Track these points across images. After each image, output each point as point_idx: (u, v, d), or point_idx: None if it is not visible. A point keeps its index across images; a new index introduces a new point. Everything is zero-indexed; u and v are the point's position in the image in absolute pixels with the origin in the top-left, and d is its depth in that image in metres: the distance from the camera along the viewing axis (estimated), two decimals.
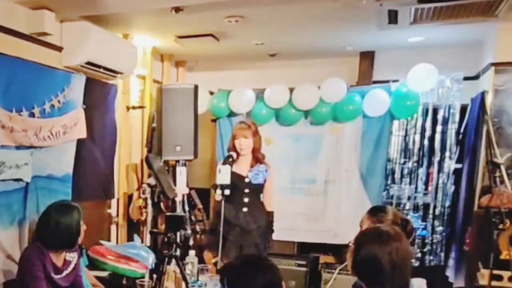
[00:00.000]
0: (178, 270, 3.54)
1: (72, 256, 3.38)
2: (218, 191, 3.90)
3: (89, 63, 4.05)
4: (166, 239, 3.51)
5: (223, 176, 3.87)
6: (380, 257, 2.10)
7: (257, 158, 4.31)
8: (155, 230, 3.85)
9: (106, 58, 4.19)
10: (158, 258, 3.74)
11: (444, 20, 4.16)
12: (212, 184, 4.11)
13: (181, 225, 3.52)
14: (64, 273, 3.30)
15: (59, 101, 3.86)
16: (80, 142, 4.18)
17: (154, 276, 3.63)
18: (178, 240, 3.55)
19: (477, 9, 3.88)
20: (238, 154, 4.22)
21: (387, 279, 2.11)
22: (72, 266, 3.36)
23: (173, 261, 3.55)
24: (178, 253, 3.52)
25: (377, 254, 2.10)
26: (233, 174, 4.05)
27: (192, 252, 3.83)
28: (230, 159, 4.05)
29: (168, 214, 3.63)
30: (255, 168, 4.29)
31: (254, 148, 4.29)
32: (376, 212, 3.18)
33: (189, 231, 3.57)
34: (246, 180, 4.26)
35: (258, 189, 4.35)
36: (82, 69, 4.10)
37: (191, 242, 3.76)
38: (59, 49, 4.00)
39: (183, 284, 3.50)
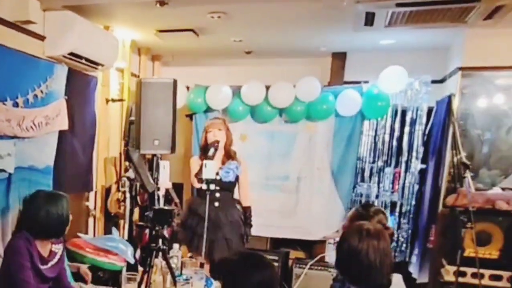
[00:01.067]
0: (164, 264, 3.56)
1: (57, 248, 3.34)
2: (204, 185, 3.91)
3: (72, 53, 3.98)
4: (154, 233, 3.51)
5: (209, 170, 3.89)
6: (358, 252, 2.18)
7: (229, 154, 4.33)
8: (141, 223, 3.83)
9: (89, 49, 4.13)
10: (146, 252, 3.73)
11: (417, 24, 4.32)
12: (197, 176, 4.09)
13: (169, 219, 3.53)
14: (50, 264, 3.26)
15: (41, 91, 3.79)
16: (60, 133, 4.10)
17: (140, 268, 3.62)
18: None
19: (449, 15, 4.06)
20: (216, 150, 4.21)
21: (365, 275, 2.19)
22: (57, 257, 3.32)
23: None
24: (165, 246, 3.54)
25: (356, 249, 2.19)
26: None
27: (176, 246, 3.86)
28: (213, 152, 4.06)
29: (155, 207, 3.61)
30: (225, 165, 4.30)
31: (226, 144, 4.31)
32: (365, 206, 3.32)
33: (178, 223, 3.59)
34: (217, 177, 4.22)
35: (229, 186, 4.36)
36: (64, 60, 4.03)
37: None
38: (42, 38, 3.92)
39: (169, 277, 3.53)
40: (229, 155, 4.33)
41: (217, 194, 4.26)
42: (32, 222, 3.17)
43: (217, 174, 4.21)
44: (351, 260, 2.20)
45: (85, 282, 3.70)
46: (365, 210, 3.08)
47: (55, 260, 3.30)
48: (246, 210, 4.43)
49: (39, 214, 3.13)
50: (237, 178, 4.37)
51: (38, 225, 3.14)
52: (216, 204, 4.27)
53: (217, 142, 4.18)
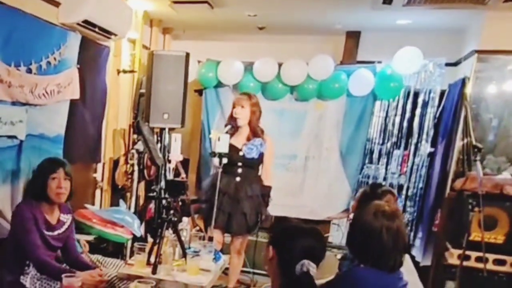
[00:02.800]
0: (173, 236, 3.56)
1: (66, 217, 3.35)
2: (216, 159, 3.91)
3: (85, 21, 3.92)
4: (166, 204, 3.49)
5: (222, 144, 3.88)
6: (371, 232, 2.14)
7: (254, 131, 4.30)
8: (153, 194, 3.81)
9: (103, 18, 4.07)
10: (155, 223, 3.73)
11: (436, 4, 4.29)
12: (210, 151, 4.10)
13: (182, 190, 3.51)
14: (56, 232, 3.27)
15: (55, 59, 3.74)
16: (71, 103, 4.06)
17: (150, 240, 3.61)
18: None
19: None
20: (237, 127, 4.21)
21: (377, 256, 2.15)
22: (65, 227, 3.33)
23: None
24: (176, 218, 3.53)
25: (370, 229, 2.15)
26: (230, 145, 4.07)
27: (185, 219, 3.85)
28: (229, 128, 4.06)
29: (168, 179, 3.59)
30: (250, 142, 4.28)
31: (251, 121, 4.28)
32: (374, 186, 3.31)
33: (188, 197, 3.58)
34: (240, 153, 4.26)
35: (252, 163, 4.35)
36: (78, 27, 3.97)
37: None
38: (57, 4, 3.85)
39: (178, 249, 3.53)
40: (255, 132, 4.31)
41: (239, 170, 4.28)
42: (35, 187, 3.21)
43: (241, 150, 4.22)
44: (364, 240, 2.17)
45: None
46: (373, 191, 3.09)
47: (63, 229, 3.32)
48: (265, 189, 4.43)
49: (40, 178, 3.17)
50: (261, 155, 4.34)
51: (40, 189, 3.16)
52: (238, 179, 4.30)
53: (235, 120, 4.15)
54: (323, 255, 2.15)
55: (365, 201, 2.87)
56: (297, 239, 2.12)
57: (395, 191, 3.34)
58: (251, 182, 4.33)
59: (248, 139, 4.28)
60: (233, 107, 4.32)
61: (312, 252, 2.09)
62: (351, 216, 2.83)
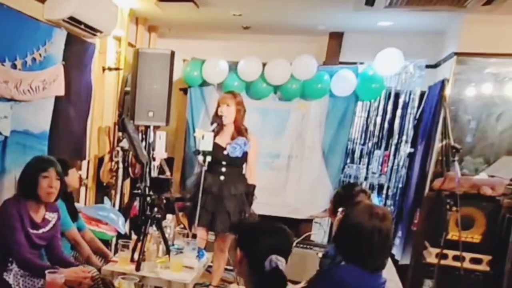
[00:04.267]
0: (157, 233, 3.58)
1: (52, 216, 3.31)
2: (200, 157, 3.94)
3: (71, 18, 3.92)
4: (150, 201, 3.52)
5: (206, 142, 3.92)
6: (362, 232, 2.17)
7: (239, 130, 4.33)
8: (137, 191, 3.83)
9: (88, 14, 4.07)
10: (140, 220, 3.76)
11: (418, 6, 4.36)
12: (195, 149, 4.14)
13: (166, 188, 3.54)
14: (41, 231, 3.23)
15: (40, 55, 3.75)
16: (56, 99, 4.06)
17: (134, 237, 3.64)
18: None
19: None
20: (222, 125, 4.24)
21: (363, 256, 2.18)
22: (50, 225, 3.29)
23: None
24: (160, 215, 3.56)
25: (361, 229, 2.18)
26: (214, 144, 4.11)
27: (169, 216, 3.88)
28: (215, 126, 4.09)
29: (153, 176, 3.62)
30: (234, 140, 4.31)
31: (236, 119, 4.32)
32: (347, 187, 3.37)
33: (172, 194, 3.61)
34: (224, 152, 4.29)
35: (236, 161, 4.37)
36: (63, 24, 3.96)
37: None
38: (42, 0, 3.84)
39: (162, 246, 3.55)
40: (239, 131, 4.34)
41: (223, 169, 4.31)
42: (25, 184, 3.18)
43: (225, 149, 4.25)
44: (354, 239, 2.21)
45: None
46: (346, 191, 3.12)
47: (48, 227, 3.28)
48: (249, 188, 4.47)
49: (31, 176, 3.14)
50: (245, 154, 4.37)
51: (30, 187, 3.13)
52: (222, 178, 4.32)
53: (221, 118, 4.19)
54: (289, 249, 2.19)
55: (340, 203, 2.93)
56: (262, 238, 2.14)
57: (368, 190, 3.39)
58: (235, 181, 4.36)
59: (233, 138, 4.30)
60: (218, 105, 4.34)
61: (278, 248, 2.11)
62: (339, 214, 2.85)
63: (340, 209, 2.85)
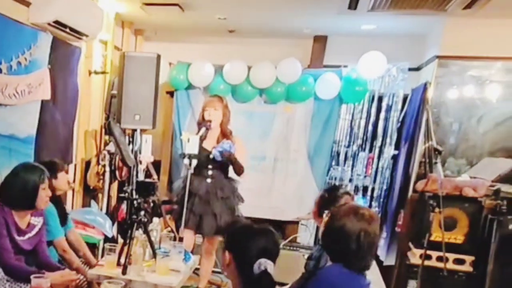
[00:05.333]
0: (144, 236, 3.59)
1: (37, 221, 3.32)
2: (186, 160, 3.96)
3: (56, 22, 3.92)
4: (136, 205, 3.53)
5: (192, 145, 3.93)
6: (350, 233, 2.19)
7: (225, 133, 4.35)
8: (124, 195, 3.84)
9: (73, 18, 4.08)
10: (126, 224, 3.76)
11: (400, 10, 4.44)
12: (180, 153, 4.15)
13: (152, 191, 3.56)
14: (27, 236, 3.24)
15: (25, 59, 3.75)
16: (42, 103, 4.06)
17: (120, 241, 3.65)
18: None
19: (430, 2, 4.17)
20: (211, 128, 4.25)
21: (350, 257, 2.21)
22: (36, 230, 3.31)
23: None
24: (146, 219, 3.57)
25: (348, 230, 2.20)
26: (201, 148, 4.12)
27: (156, 220, 3.89)
28: (204, 131, 4.11)
29: (138, 180, 3.63)
30: (220, 144, 4.30)
31: (222, 122, 4.33)
32: (331, 189, 3.40)
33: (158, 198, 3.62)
34: (210, 156, 4.29)
35: (222, 164, 4.38)
36: (48, 28, 3.97)
37: None
38: (27, 4, 3.85)
39: (148, 250, 3.57)
40: (225, 134, 4.35)
41: (210, 172, 4.32)
42: (8, 192, 3.18)
43: (211, 152, 4.25)
44: (341, 241, 2.23)
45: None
46: (330, 194, 3.16)
47: (33, 232, 3.29)
48: (235, 186, 4.48)
49: (13, 183, 3.16)
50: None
51: (14, 195, 3.15)
52: (209, 180, 4.33)
53: (209, 121, 4.20)
54: (277, 252, 2.22)
55: (324, 205, 2.97)
56: (250, 241, 2.17)
57: (352, 191, 3.42)
58: (222, 184, 4.38)
59: (218, 142, 4.31)
60: (204, 109, 4.34)
61: (267, 251, 2.15)
62: (325, 216, 2.87)
63: (326, 212, 2.87)
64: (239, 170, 4.32)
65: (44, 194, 3.20)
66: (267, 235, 2.22)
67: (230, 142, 4.31)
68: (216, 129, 4.32)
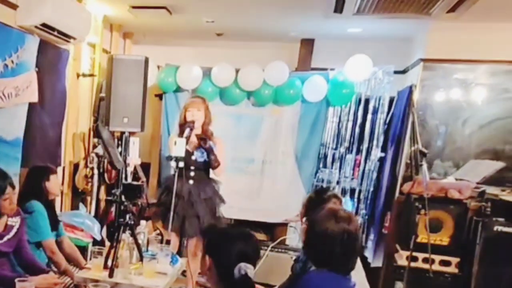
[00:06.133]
0: (131, 239, 3.60)
1: (14, 221, 3.28)
2: (173, 163, 3.97)
3: (44, 24, 3.93)
4: (122, 208, 3.54)
5: (179, 148, 3.95)
6: (330, 236, 2.18)
7: (206, 134, 4.36)
8: (111, 198, 3.85)
9: (61, 21, 4.09)
10: (113, 227, 3.77)
11: (384, 13, 4.49)
12: (167, 155, 4.16)
13: (138, 194, 3.57)
14: (5, 238, 3.21)
15: (12, 62, 3.75)
16: (30, 106, 4.06)
17: (107, 243, 3.65)
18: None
19: (415, 5, 4.23)
20: (191, 130, 4.26)
21: (335, 261, 2.20)
22: (14, 230, 3.27)
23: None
24: (133, 222, 3.57)
25: (329, 233, 2.19)
26: None
27: (143, 222, 3.90)
28: (189, 129, 4.12)
29: (125, 182, 3.63)
30: (201, 146, 4.33)
31: (203, 124, 4.35)
32: (319, 192, 3.42)
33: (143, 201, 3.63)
34: (193, 157, 4.32)
35: (204, 166, 4.41)
36: (36, 31, 3.98)
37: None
38: (14, 7, 3.86)
39: (135, 253, 3.57)
40: (206, 135, 4.35)
41: (192, 173, 4.33)
42: None
43: (193, 154, 4.27)
44: (322, 243, 2.22)
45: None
46: (318, 196, 3.15)
47: (12, 233, 3.26)
48: (216, 187, 4.50)
49: None
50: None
51: None
52: (191, 182, 4.35)
53: (193, 122, 4.22)
54: (257, 255, 2.23)
55: (312, 207, 2.98)
56: (230, 245, 2.18)
57: (340, 194, 3.44)
58: (204, 185, 4.40)
59: (199, 143, 4.32)
60: (186, 110, 4.36)
61: (247, 255, 2.16)
62: (304, 221, 2.87)
63: (304, 219, 2.88)
64: (215, 162, 4.31)
65: (7, 203, 3.13)
66: (246, 239, 2.23)
67: (211, 143, 4.34)
68: (198, 130, 4.33)
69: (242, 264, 2.10)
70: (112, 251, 3.36)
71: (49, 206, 3.62)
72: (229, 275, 2.11)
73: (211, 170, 4.45)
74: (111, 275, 3.21)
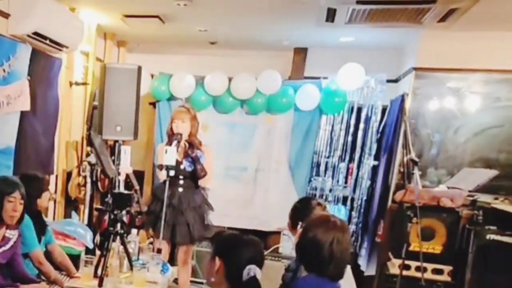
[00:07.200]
0: (121, 248, 3.60)
1: (12, 234, 3.28)
2: (164, 172, 3.98)
3: (35, 33, 3.94)
4: (112, 216, 3.54)
5: (169, 157, 3.96)
6: (322, 243, 2.22)
7: (194, 143, 4.36)
8: (101, 207, 3.85)
9: (53, 30, 4.10)
10: (103, 235, 3.77)
11: (376, 22, 4.51)
12: (158, 164, 4.17)
13: (128, 203, 3.57)
14: (1, 249, 3.21)
15: (4, 70, 3.76)
16: (22, 114, 4.06)
17: (98, 252, 3.65)
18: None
19: (406, 15, 4.25)
20: (179, 142, 4.26)
21: (324, 265, 2.24)
22: (11, 243, 3.27)
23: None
24: (123, 231, 3.58)
25: (321, 240, 2.23)
26: None
27: (134, 231, 3.91)
28: (177, 141, 4.14)
29: (115, 191, 3.64)
30: (189, 155, 4.33)
31: (191, 133, 4.35)
32: (303, 200, 3.43)
33: (137, 209, 3.64)
34: (181, 166, 4.32)
35: (193, 174, 4.40)
36: (28, 39, 3.99)
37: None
38: (6, 16, 3.87)
39: (126, 262, 3.57)
40: (194, 144, 4.36)
41: (181, 182, 4.34)
42: None
43: (181, 163, 4.28)
44: (314, 250, 2.26)
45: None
46: (303, 205, 3.20)
47: (8, 246, 3.25)
48: (204, 195, 4.51)
49: None
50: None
51: None
52: (180, 190, 4.35)
53: (180, 135, 4.23)
54: (263, 262, 2.30)
55: (298, 216, 3.00)
56: (242, 248, 2.27)
57: (324, 202, 3.46)
58: (192, 193, 4.41)
59: (187, 152, 4.33)
60: (172, 121, 4.37)
61: (255, 260, 2.24)
62: (299, 228, 2.90)
63: (300, 223, 2.90)
64: (201, 172, 4.32)
65: (9, 207, 3.14)
66: (255, 245, 2.32)
67: (199, 152, 4.35)
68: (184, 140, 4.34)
69: (252, 266, 2.19)
70: (102, 260, 3.37)
71: (36, 215, 3.60)
72: (238, 277, 2.20)
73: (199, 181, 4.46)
74: (100, 284, 3.23)
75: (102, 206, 4.88)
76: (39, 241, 3.58)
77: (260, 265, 2.25)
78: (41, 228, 3.63)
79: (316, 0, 3.99)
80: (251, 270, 2.17)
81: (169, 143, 4.20)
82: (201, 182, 4.43)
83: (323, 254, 2.23)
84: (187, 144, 4.34)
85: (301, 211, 3.07)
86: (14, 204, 3.15)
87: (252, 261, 2.21)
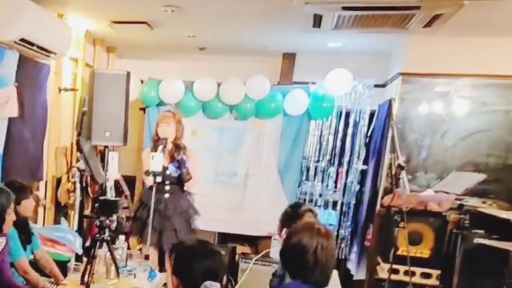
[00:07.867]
0: (108, 255, 3.61)
1: (0, 241, 3.25)
2: (151, 178, 4.00)
3: (22, 39, 3.92)
4: (98, 223, 3.55)
5: (156, 163, 3.98)
6: (306, 249, 2.23)
7: (179, 148, 4.41)
8: (88, 214, 3.86)
9: (40, 36, 4.09)
10: (90, 242, 3.77)
11: (362, 28, 4.54)
12: (145, 170, 4.19)
13: (114, 209, 3.58)
14: None
15: None
16: (10, 121, 4.06)
17: (85, 259, 3.65)
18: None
19: (391, 21, 4.29)
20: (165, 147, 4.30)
21: (308, 272, 2.24)
22: None
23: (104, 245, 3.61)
24: (109, 237, 3.58)
25: (305, 246, 2.23)
26: None
27: (122, 237, 3.92)
28: (162, 146, 4.16)
29: (101, 198, 3.65)
30: (174, 160, 4.39)
31: (175, 138, 4.39)
32: (294, 206, 3.45)
33: (123, 216, 3.65)
34: (167, 172, 4.36)
35: (178, 179, 4.46)
36: (15, 46, 3.97)
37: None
38: None
39: (113, 268, 3.58)
40: (178, 150, 4.40)
41: (167, 187, 4.37)
42: None
43: (167, 168, 4.29)
44: (298, 256, 2.26)
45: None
46: (293, 210, 3.22)
47: None
48: (190, 199, 4.56)
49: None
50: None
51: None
52: (166, 196, 4.40)
53: (165, 139, 4.25)
54: (223, 272, 2.29)
55: (288, 221, 3.02)
56: (195, 263, 2.23)
57: (315, 208, 3.47)
58: (178, 198, 4.46)
59: (172, 156, 4.38)
60: (157, 125, 4.40)
61: (212, 272, 2.21)
62: (283, 234, 2.92)
63: (285, 229, 2.92)
64: (187, 175, 4.37)
65: (9, 218, 3.15)
66: (211, 256, 2.28)
67: (185, 156, 4.39)
68: (170, 144, 4.39)
69: (207, 283, 2.14)
70: (89, 266, 3.37)
71: (21, 223, 3.58)
72: None
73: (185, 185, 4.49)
74: None
75: (92, 212, 4.90)
76: (25, 249, 3.56)
77: (219, 278, 2.21)
78: (26, 236, 3.61)
79: (301, 7, 4.01)
80: (207, 287, 2.14)
81: (155, 148, 4.21)
82: (186, 186, 4.45)
83: (308, 259, 2.23)
84: (173, 147, 4.36)
85: (291, 216, 3.08)
86: (11, 215, 3.16)
87: (209, 274, 2.18)
